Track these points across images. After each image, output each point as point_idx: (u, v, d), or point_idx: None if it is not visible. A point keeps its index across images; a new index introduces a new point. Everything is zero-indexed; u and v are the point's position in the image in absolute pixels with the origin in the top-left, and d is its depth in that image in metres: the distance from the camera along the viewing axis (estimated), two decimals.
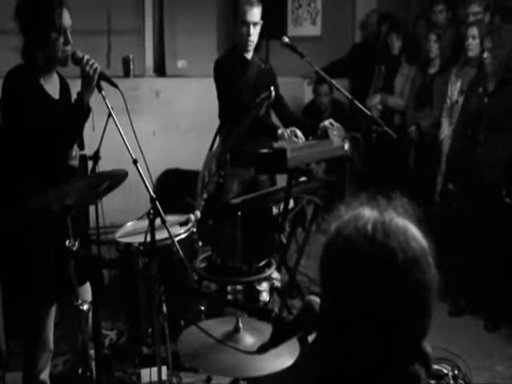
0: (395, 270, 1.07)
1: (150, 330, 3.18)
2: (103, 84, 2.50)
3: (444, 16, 5.15)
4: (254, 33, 3.59)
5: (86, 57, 2.47)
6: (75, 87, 2.54)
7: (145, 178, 2.45)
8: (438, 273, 1.12)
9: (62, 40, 2.45)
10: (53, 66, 2.56)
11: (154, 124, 5.68)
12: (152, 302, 2.64)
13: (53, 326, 2.68)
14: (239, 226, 3.03)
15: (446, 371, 2.99)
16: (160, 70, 5.92)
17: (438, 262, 1.12)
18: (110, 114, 2.52)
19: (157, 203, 2.48)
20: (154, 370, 2.75)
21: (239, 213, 3.05)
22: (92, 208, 3.72)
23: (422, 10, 6.02)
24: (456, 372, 3.01)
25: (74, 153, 2.64)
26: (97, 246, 3.74)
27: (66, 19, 2.46)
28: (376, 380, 1.11)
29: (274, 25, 4.30)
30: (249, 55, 3.70)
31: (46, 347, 2.67)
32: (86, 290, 2.58)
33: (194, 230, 3.36)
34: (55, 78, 2.62)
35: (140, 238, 3.02)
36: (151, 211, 2.50)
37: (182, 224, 3.29)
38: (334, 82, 3.57)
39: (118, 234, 3.41)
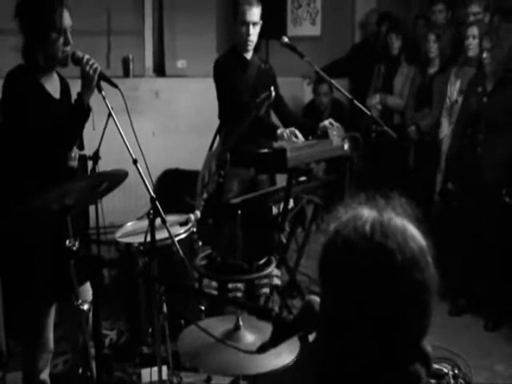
0: (394, 271, 1.07)
1: (150, 330, 3.19)
2: (103, 84, 2.50)
3: (443, 16, 5.15)
4: (254, 33, 3.59)
5: (86, 57, 2.47)
6: (75, 87, 2.54)
7: (145, 178, 2.45)
8: (437, 272, 1.12)
9: (62, 40, 2.45)
10: (53, 66, 2.56)
11: (154, 124, 5.68)
12: (152, 302, 2.64)
13: (53, 325, 2.68)
14: (239, 225, 3.03)
15: (446, 370, 2.99)
16: (160, 70, 5.92)
17: (438, 262, 1.12)
18: (109, 114, 2.52)
19: (157, 203, 2.48)
20: (155, 369, 2.75)
21: (239, 212, 3.05)
22: (92, 208, 3.72)
23: (422, 10, 6.02)
24: (456, 371, 3.01)
25: (73, 154, 2.64)
26: (97, 246, 3.75)
27: (67, 19, 2.46)
28: (376, 380, 1.11)
29: (273, 25, 4.31)
30: (248, 55, 3.70)
31: (46, 347, 2.67)
32: (87, 290, 2.58)
33: (194, 229, 3.36)
34: (55, 78, 2.62)
35: (140, 238, 3.02)
36: (151, 211, 2.50)
37: (181, 224, 3.29)
38: (333, 81, 3.58)
39: (118, 233, 3.41)
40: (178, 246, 2.64)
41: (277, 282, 3.04)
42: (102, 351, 2.75)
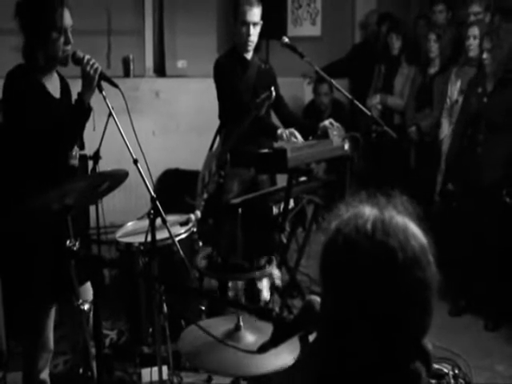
0: (395, 269, 1.07)
1: (150, 330, 3.19)
2: (103, 84, 2.50)
3: (444, 16, 5.15)
4: (254, 33, 3.59)
5: (87, 57, 2.47)
6: (76, 87, 2.54)
7: (145, 178, 2.45)
8: (438, 271, 1.12)
9: (62, 40, 2.45)
10: (53, 66, 2.56)
11: (154, 124, 5.68)
12: (152, 302, 2.64)
13: (53, 325, 2.68)
14: (239, 225, 3.03)
15: (446, 371, 2.99)
16: (160, 70, 5.92)
17: (439, 262, 1.12)
18: (110, 114, 2.52)
19: (157, 203, 2.48)
20: (155, 369, 2.75)
21: (239, 213, 3.05)
22: (92, 208, 3.71)
23: (422, 10, 6.02)
24: (456, 371, 3.01)
25: (74, 152, 2.64)
26: (97, 246, 3.74)
27: (67, 19, 2.46)
28: (376, 379, 1.11)
29: (273, 25, 4.30)
30: (249, 55, 3.70)
31: (46, 347, 2.67)
32: (87, 290, 2.58)
33: (195, 229, 3.36)
34: (55, 77, 2.62)
35: (140, 238, 3.02)
36: (152, 211, 2.50)
37: (182, 224, 3.30)
38: (333, 81, 3.58)
39: (119, 233, 3.42)
40: (179, 246, 2.64)
41: (277, 283, 3.04)
42: (103, 351, 2.74)
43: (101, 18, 5.52)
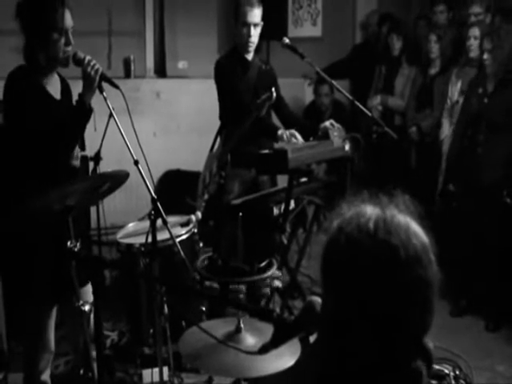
0: (397, 267, 1.07)
1: (151, 331, 3.19)
2: (104, 85, 2.50)
3: (444, 16, 5.15)
4: (255, 34, 3.60)
5: (88, 58, 2.47)
6: (76, 88, 2.54)
7: (146, 179, 2.45)
8: (439, 271, 1.12)
9: (63, 41, 2.45)
10: (54, 67, 2.56)
11: (155, 125, 5.68)
12: (153, 303, 2.64)
13: (54, 326, 2.68)
14: (240, 226, 3.03)
15: (447, 371, 2.99)
16: (161, 71, 5.92)
17: (439, 262, 1.13)
18: (111, 115, 2.52)
19: (158, 204, 2.48)
20: (156, 370, 2.75)
21: (240, 213, 3.05)
22: (93, 209, 3.71)
23: (423, 11, 6.02)
24: (457, 372, 3.01)
25: (75, 153, 2.64)
26: (98, 247, 3.74)
27: (68, 20, 2.46)
28: (376, 379, 1.11)
29: (274, 26, 4.30)
30: (249, 56, 3.70)
31: (47, 348, 2.67)
32: (88, 291, 2.58)
33: (195, 230, 3.36)
34: (56, 78, 2.62)
35: (141, 239, 3.02)
36: (152, 212, 2.50)
37: (183, 225, 3.30)
38: (334, 82, 3.57)
39: (120, 234, 3.42)
40: (180, 247, 2.64)
41: (278, 283, 3.04)
42: (104, 352, 2.74)
43: (101, 18, 5.52)
